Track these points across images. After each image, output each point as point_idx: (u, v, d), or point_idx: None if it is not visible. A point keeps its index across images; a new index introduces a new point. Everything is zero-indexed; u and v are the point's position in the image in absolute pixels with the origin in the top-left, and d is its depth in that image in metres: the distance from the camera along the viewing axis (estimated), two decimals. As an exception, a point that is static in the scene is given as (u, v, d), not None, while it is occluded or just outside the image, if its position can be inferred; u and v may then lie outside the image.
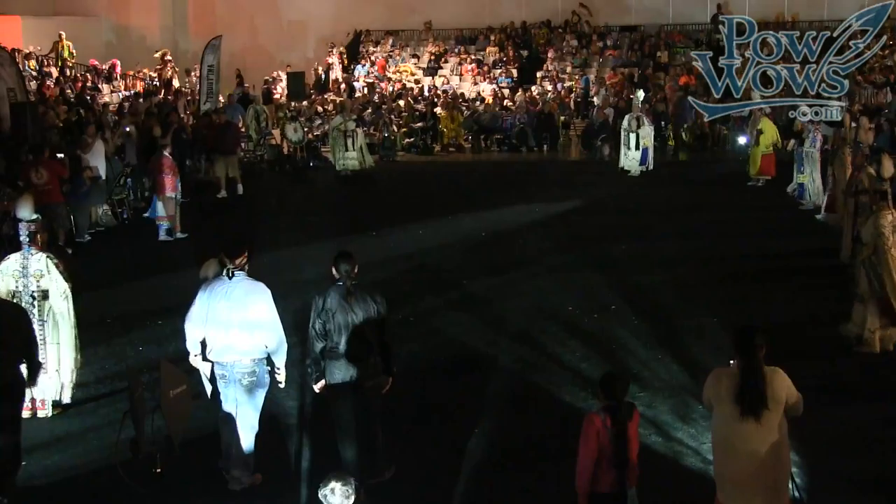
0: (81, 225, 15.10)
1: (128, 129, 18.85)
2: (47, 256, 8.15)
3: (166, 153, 15.24)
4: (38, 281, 8.05)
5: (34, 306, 8.05)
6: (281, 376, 7.02)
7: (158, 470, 6.65)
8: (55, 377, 8.19)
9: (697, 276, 12.08)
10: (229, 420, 6.80)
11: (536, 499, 6.75)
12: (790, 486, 5.74)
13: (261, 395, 6.84)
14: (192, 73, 27.92)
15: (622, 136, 20.85)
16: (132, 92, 25.88)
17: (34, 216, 8.35)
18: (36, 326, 8.04)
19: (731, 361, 5.55)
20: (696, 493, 6.40)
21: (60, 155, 15.34)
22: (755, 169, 18.69)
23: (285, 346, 6.92)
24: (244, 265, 6.78)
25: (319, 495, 4.81)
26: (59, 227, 14.36)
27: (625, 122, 20.85)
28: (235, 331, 6.65)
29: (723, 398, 5.38)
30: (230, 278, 6.68)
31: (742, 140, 21.69)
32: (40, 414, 8.16)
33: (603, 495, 5.58)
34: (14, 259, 8.14)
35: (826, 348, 9.41)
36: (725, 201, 17.28)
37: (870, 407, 8.11)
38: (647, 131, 20.58)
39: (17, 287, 8.04)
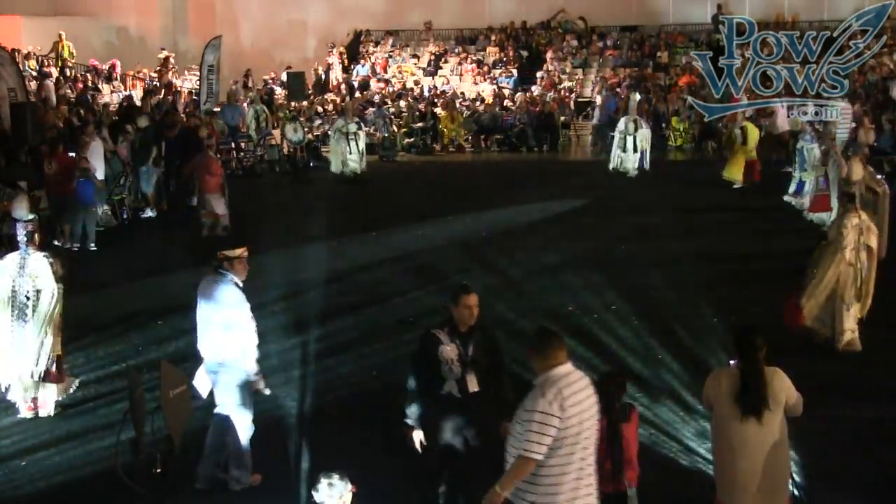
0: (89, 230, 14.75)
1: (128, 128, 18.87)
2: (44, 255, 8.15)
3: (212, 153, 15.63)
4: (34, 281, 8.04)
5: (27, 306, 8.03)
6: (259, 385, 6.82)
7: (158, 470, 6.64)
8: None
9: (697, 276, 12.08)
10: (214, 419, 6.80)
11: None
12: (790, 486, 5.74)
13: (241, 394, 6.73)
14: (187, 72, 27.97)
15: (617, 139, 20.86)
16: (132, 92, 25.87)
17: (30, 216, 8.35)
18: (30, 326, 8.05)
19: (731, 362, 5.56)
20: (696, 493, 6.41)
21: (72, 154, 15.46)
22: (736, 172, 18.72)
23: (250, 352, 6.69)
24: (231, 262, 6.66)
25: (314, 496, 4.82)
26: (68, 220, 14.46)
27: (621, 125, 20.86)
28: (211, 329, 6.65)
29: (723, 398, 5.38)
30: (216, 273, 6.69)
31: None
32: (41, 413, 8.17)
33: (603, 496, 5.59)
34: (11, 259, 8.12)
35: (825, 348, 9.41)
36: (724, 201, 17.28)
37: (868, 407, 8.11)
38: (645, 133, 20.60)
39: (13, 287, 8.03)
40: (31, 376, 8.09)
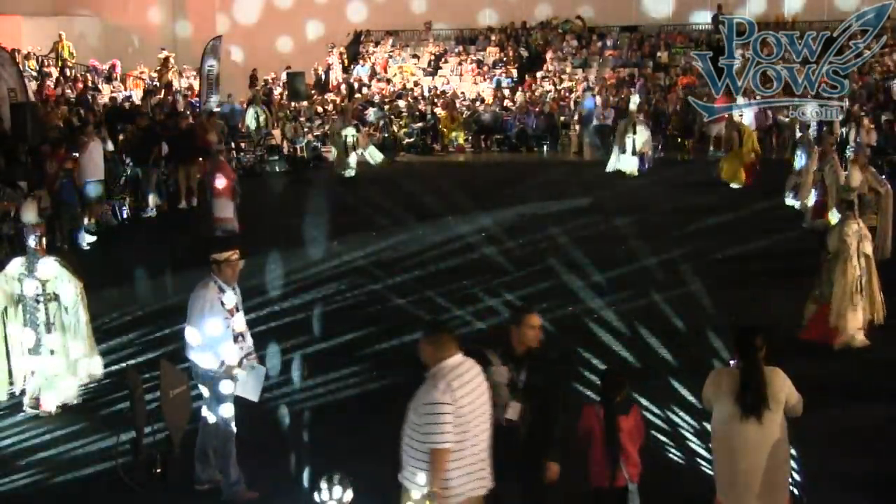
0: (77, 231, 14.80)
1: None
2: (55, 259, 8.15)
3: (222, 157, 15.73)
4: (44, 284, 8.02)
5: (38, 310, 8.03)
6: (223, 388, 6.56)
7: (158, 470, 6.64)
8: (71, 379, 8.25)
9: (697, 276, 12.08)
10: (200, 422, 6.77)
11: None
12: (790, 485, 5.74)
13: (213, 397, 6.61)
14: (184, 74, 27.97)
15: (616, 140, 20.95)
16: (132, 92, 25.85)
17: (38, 221, 8.35)
18: (42, 331, 8.06)
19: (731, 361, 5.56)
20: (696, 493, 6.40)
21: (76, 154, 15.55)
22: (733, 174, 18.80)
23: (197, 354, 6.55)
24: (218, 266, 6.56)
25: (315, 497, 4.82)
26: (72, 219, 14.68)
27: (620, 127, 20.97)
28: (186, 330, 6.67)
29: (723, 398, 5.38)
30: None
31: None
32: (42, 413, 8.18)
33: (603, 490, 5.63)
34: (19, 262, 8.12)
35: (825, 348, 9.43)
36: (724, 202, 17.26)
37: (868, 407, 8.12)
38: (644, 136, 20.62)
39: (21, 291, 8.03)
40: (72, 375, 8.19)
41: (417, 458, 5.05)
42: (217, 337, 6.52)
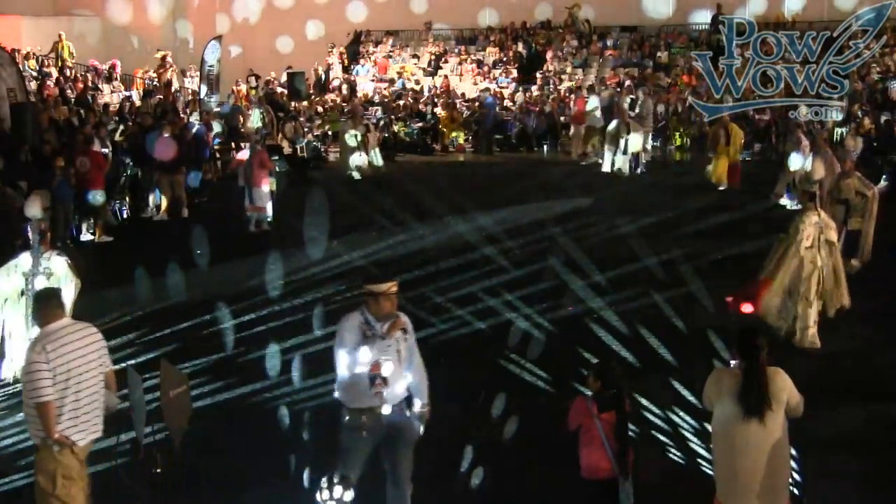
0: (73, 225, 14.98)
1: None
2: (58, 253, 8.16)
3: (260, 147, 16.48)
4: (48, 279, 8.04)
5: None
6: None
7: (158, 470, 6.65)
8: None
9: (697, 277, 12.08)
10: None
11: (527, 489, 6.77)
12: (790, 486, 5.74)
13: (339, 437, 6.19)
14: (188, 73, 27.98)
15: (608, 140, 21.03)
16: (131, 93, 25.87)
17: (42, 215, 8.37)
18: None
19: (732, 362, 5.56)
20: (695, 493, 6.40)
21: (106, 150, 15.74)
22: (720, 173, 18.82)
23: (338, 383, 6.22)
24: (371, 296, 6.17)
25: (317, 496, 4.83)
26: (100, 215, 15.07)
27: (611, 127, 21.00)
28: None
29: (724, 398, 5.38)
30: None
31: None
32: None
33: (589, 482, 5.73)
34: (24, 258, 8.14)
35: (824, 348, 9.44)
36: (721, 202, 17.27)
37: (867, 407, 8.12)
38: (636, 138, 20.65)
39: (26, 285, 8.04)
40: None
41: (32, 414, 5.69)
42: (345, 372, 6.00)
